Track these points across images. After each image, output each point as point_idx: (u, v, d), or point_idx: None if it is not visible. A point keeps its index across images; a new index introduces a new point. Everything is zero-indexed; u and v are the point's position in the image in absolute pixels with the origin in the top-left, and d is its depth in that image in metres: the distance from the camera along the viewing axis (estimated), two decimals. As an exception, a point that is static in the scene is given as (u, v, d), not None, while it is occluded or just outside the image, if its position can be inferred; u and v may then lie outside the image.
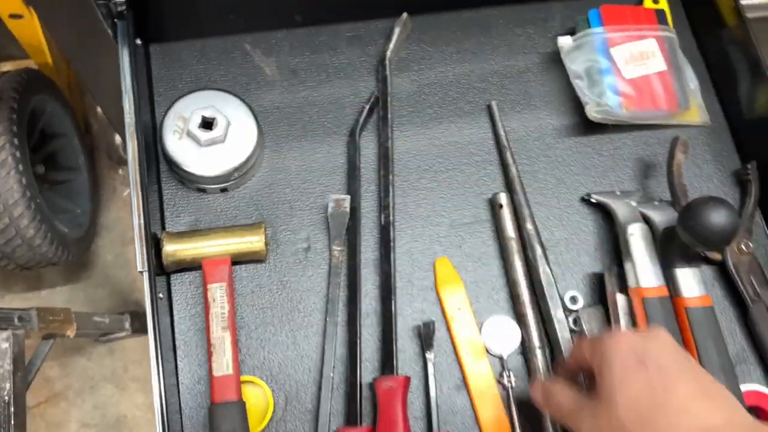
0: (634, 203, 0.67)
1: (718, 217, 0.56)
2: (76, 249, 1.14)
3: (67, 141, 1.20)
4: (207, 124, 0.63)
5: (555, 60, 0.74)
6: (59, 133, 1.19)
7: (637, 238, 0.64)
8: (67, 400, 1.19)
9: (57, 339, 1.02)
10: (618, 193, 0.69)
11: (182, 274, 0.64)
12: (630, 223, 0.65)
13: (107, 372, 1.21)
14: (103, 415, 1.19)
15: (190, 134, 0.63)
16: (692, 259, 0.62)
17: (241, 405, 0.57)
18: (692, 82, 0.75)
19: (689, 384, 0.43)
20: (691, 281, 0.62)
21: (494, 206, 0.68)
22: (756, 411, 0.63)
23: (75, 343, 1.23)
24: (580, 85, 0.71)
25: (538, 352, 0.62)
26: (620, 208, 0.67)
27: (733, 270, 0.66)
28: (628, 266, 0.63)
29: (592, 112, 0.69)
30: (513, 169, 0.69)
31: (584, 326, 0.63)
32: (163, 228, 0.65)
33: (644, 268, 0.62)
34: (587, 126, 0.72)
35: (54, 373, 1.21)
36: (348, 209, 0.65)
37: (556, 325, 0.63)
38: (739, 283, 0.66)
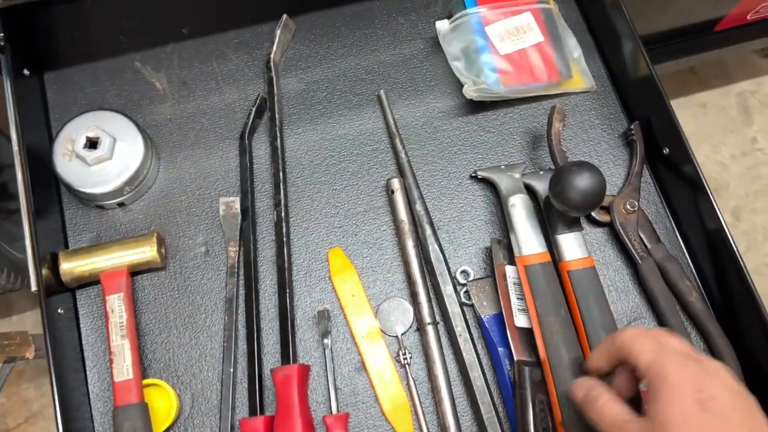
0: (517, 175, 0.69)
1: (581, 182, 0.58)
2: (36, 274, 1.17)
3: (14, 171, 1.24)
4: (92, 143, 0.66)
5: (438, 44, 0.75)
6: (8, 164, 1.22)
7: (518, 208, 0.66)
8: (45, 418, 1.24)
9: (22, 362, 1.06)
10: (503, 167, 0.71)
11: (87, 288, 0.67)
12: (512, 194, 0.67)
13: (85, 388, 1.25)
14: (85, 430, 1.23)
15: (77, 155, 0.66)
16: (572, 224, 0.64)
17: (142, 407, 0.60)
18: (575, 51, 0.76)
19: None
20: (572, 245, 0.64)
21: (388, 192, 0.71)
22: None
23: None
24: (458, 66, 0.72)
25: (429, 328, 0.64)
26: (504, 182, 0.69)
27: (620, 230, 0.68)
28: (512, 237, 0.65)
29: (470, 92, 0.71)
30: (402, 155, 0.71)
31: (473, 298, 0.66)
32: (66, 246, 0.68)
33: (525, 237, 0.64)
34: (473, 105, 0.74)
35: (30, 394, 1.26)
36: (239, 210, 0.68)
37: (446, 300, 0.65)
38: (627, 242, 0.68)
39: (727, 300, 0.66)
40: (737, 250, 0.63)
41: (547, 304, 0.61)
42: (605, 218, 0.70)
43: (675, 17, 1.14)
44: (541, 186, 0.68)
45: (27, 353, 1.02)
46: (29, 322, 1.31)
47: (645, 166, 0.73)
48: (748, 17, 1.18)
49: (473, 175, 0.71)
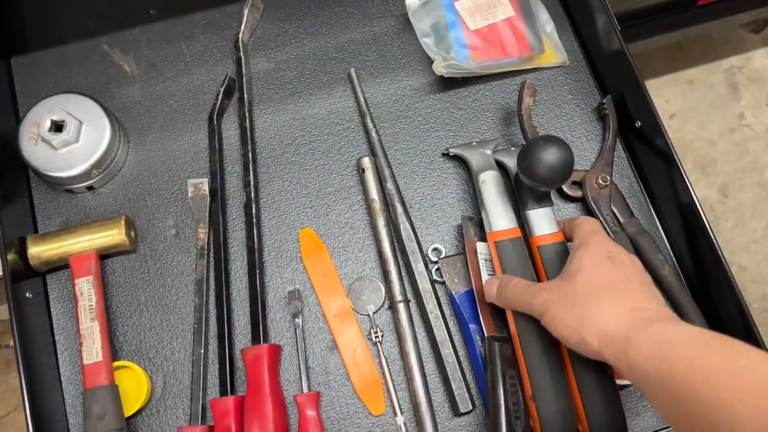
0: (488, 152, 0.69)
1: (549, 156, 0.57)
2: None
3: None
4: (58, 127, 0.65)
5: (409, 21, 0.75)
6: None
7: (488, 185, 0.65)
8: (35, 406, 1.25)
9: (5, 349, 1.06)
10: (474, 144, 0.70)
11: (58, 272, 0.67)
12: (482, 171, 0.67)
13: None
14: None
15: (43, 139, 0.65)
16: (542, 199, 0.64)
17: (112, 389, 0.60)
18: (548, 25, 0.75)
19: (637, 279, 0.51)
20: (542, 221, 0.63)
21: (359, 171, 0.70)
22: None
23: (38, 352, 1.28)
24: (428, 43, 0.72)
25: (401, 306, 0.64)
26: (475, 158, 0.68)
27: (592, 204, 0.68)
28: (483, 213, 0.65)
29: (440, 68, 0.70)
30: (373, 134, 0.71)
31: (444, 276, 0.65)
32: (36, 231, 0.68)
33: (495, 213, 0.64)
34: (444, 83, 0.73)
35: (18, 383, 1.26)
36: (207, 192, 0.68)
37: (417, 278, 0.65)
38: (600, 216, 0.68)
39: (701, 273, 0.66)
40: (708, 223, 0.63)
41: None
42: (577, 193, 0.69)
43: (657, -8, 1.13)
44: (512, 162, 0.68)
45: (10, 341, 1.02)
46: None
47: (618, 140, 0.72)
48: (732, -10, 1.17)
49: (445, 152, 0.71)
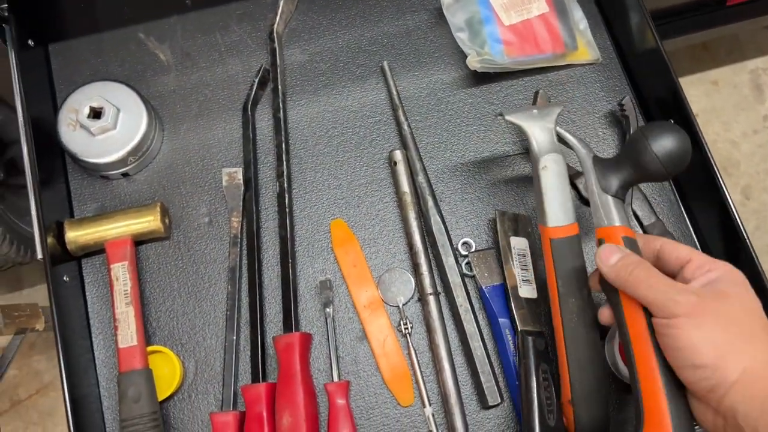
0: (551, 125, 0.60)
1: (671, 145, 0.55)
2: (45, 247, 1.19)
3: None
4: (96, 113, 0.66)
5: (442, 15, 0.75)
6: (16, 140, 1.23)
7: (549, 172, 0.57)
8: (57, 389, 1.26)
9: (33, 333, 1.08)
10: (536, 111, 0.60)
11: (93, 257, 0.68)
12: (545, 153, 0.58)
13: (95, 361, 1.28)
14: (95, 402, 1.26)
15: (82, 125, 0.66)
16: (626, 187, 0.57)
17: (146, 373, 0.61)
18: (581, 22, 0.75)
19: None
20: (615, 211, 0.55)
21: (390, 164, 0.71)
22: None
23: (60, 337, 1.30)
24: (462, 38, 0.72)
25: (431, 299, 0.65)
26: (536, 134, 0.59)
27: None
28: (538, 203, 0.58)
29: (474, 63, 0.70)
30: (405, 127, 0.71)
31: (474, 269, 0.66)
32: (72, 216, 0.69)
33: (555, 206, 0.57)
34: (476, 77, 0.73)
35: (41, 366, 1.28)
36: (241, 181, 0.69)
37: (447, 271, 0.66)
38: None
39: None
40: (743, 227, 0.63)
41: (571, 284, 0.56)
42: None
43: (686, -9, 1.13)
44: (579, 144, 0.59)
45: (37, 325, 1.04)
46: (39, 295, 1.33)
47: (650, 138, 0.72)
48: (761, -9, 1.16)
49: (498, 114, 0.62)
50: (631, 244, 0.53)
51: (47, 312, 1.07)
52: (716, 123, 1.48)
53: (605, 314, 0.55)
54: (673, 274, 0.51)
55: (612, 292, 0.51)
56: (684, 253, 0.51)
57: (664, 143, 0.54)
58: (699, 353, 0.44)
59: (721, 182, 0.64)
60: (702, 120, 1.49)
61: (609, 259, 0.50)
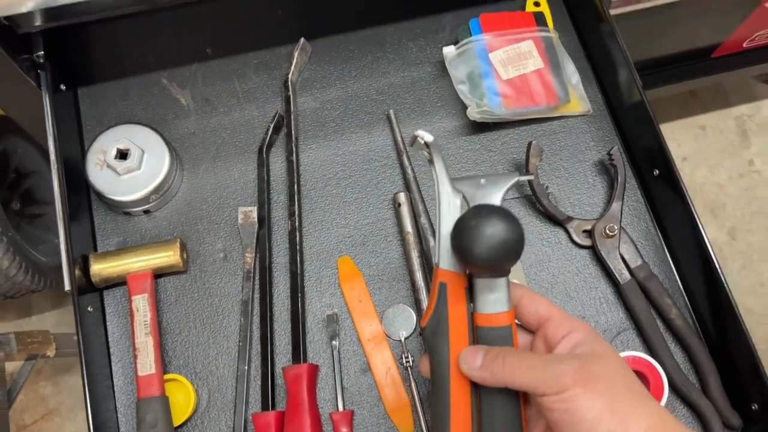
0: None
1: (490, 232, 0.44)
2: (56, 275, 1.23)
3: (41, 177, 1.31)
4: (123, 155, 0.71)
5: (445, 68, 0.81)
6: (33, 171, 1.29)
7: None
8: (61, 415, 1.29)
9: (42, 359, 1.11)
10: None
11: (114, 288, 0.72)
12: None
13: (98, 388, 1.30)
14: (97, 428, 1.28)
15: (109, 165, 0.71)
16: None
17: (163, 400, 0.65)
18: (574, 77, 0.81)
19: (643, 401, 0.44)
20: (489, 296, 0.49)
21: (395, 205, 0.76)
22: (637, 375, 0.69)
23: (66, 364, 1.32)
24: (463, 90, 0.78)
25: (431, 334, 0.69)
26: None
27: (601, 253, 0.72)
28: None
29: (473, 113, 0.76)
30: (409, 171, 0.76)
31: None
32: (95, 249, 0.74)
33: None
34: (475, 126, 0.79)
35: (47, 391, 1.31)
36: (256, 219, 0.73)
37: (447, 308, 0.70)
38: (609, 264, 0.72)
39: (714, 315, 0.70)
40: (719, 267, 0.68)
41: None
42: (587, 242, 0.74)
43: (674, 43, 1.19)
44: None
45: (48, 351, 1.07)
46: (48, 322, 1.36)
47: (637, 185, 0.77)
48: (744, 45, 1.23)
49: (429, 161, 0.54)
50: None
51: (59, 339, 1.10)
52: (704, 167, 1.54)
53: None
54: (531, 330, 0.49)
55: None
56: (543, 309, 0.48)
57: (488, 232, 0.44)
58: (600, 422, 0.41)
59: (701, 229, 0.69)
60: (690, 163, 1.55)
61: (475, 361, 0.47)
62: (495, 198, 0.51)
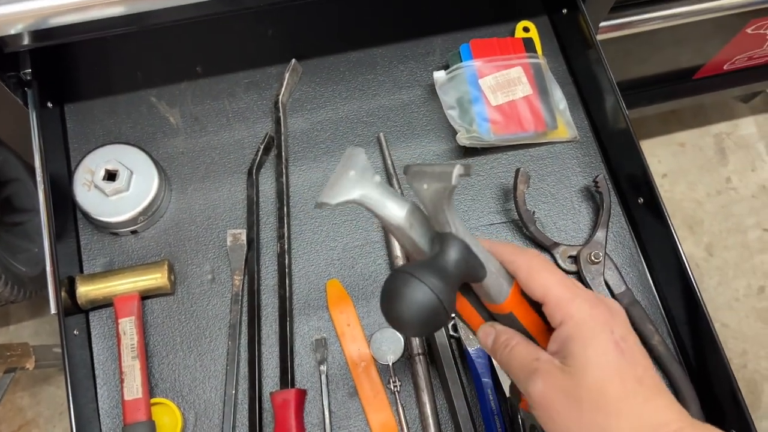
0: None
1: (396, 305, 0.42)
2: (36, 285, 1.21)
3: (21, 185, 1.28)
4: (111, 175, 0.71)
5: (435, 91, 0.81)
6: (13, 178, 1.27)
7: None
8: (39, 427, 1.27)
9: (20, 371, 1.09)
10: (352, 174, 0.47)
11: (100, 310, 0.71)
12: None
13: (77, 398, 1.29)
14: (75, 439, 1.26)
15: (97, 186, 0.70)
16: None
17: (150, 425, 0.64)
18: (561, 103, 0.82)
19: (649, 375, 0.44)
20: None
21: (383, 228, 0.76)
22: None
23: (44, 374, 1.30)
24: (453, 115, 0.78)
25: (419, 358, 0.70)
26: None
27: (586, 279, 0.74)
28: None
29: (462, 139, 0.76)
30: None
31: (460, 332, 0.71)
32: (81, 270, 0.73)
33: None
34: (464, 149, 0.80)
35: (25, 402, 1.29)
36: (245, 242, 0.73)
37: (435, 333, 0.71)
38: (593, 290, 0.73)
39: (695, 343, 0.72)
40: (701, 296, 0.69)
41: None
42: (572, 267, 0.75)
43: (657, 65, 1.22)
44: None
45: (28, 364, 1.06)
46: (26, 332, 1.34)
47: (622, 212, 0.79)
48: (725, 67, 1.25)
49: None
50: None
51: (38, 351, 1.08)
52: (683, 183, 1.57)
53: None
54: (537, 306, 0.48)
55: None
56: (538, 292, 0.46)
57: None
58: None
59: (683, 255, 0.70)
60: (670, 180, 1.58)
61: (485, 341, 0.49)
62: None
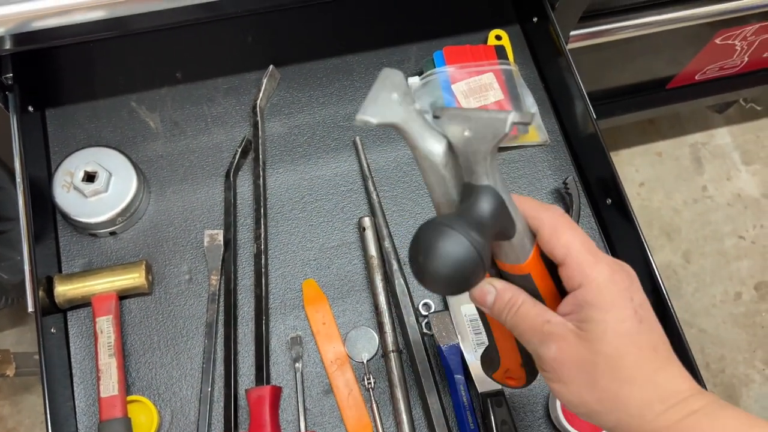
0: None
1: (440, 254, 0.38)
2: (18, 293, 1.22)
3: (5, 194, 1.29)
4: (90, 177, 0.72)
5: (410, 96, 0.83)
6: (-6, 185, 1.27)
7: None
8: (19, 436, 1.27)
9: (1, 379, 1.09)
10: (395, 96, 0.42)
11: (78, 310, 0.72)
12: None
13: (58, 407, 1.28)
14: (56, 449, 1.26)
15: (76, 188, 0.72)
16: None
17: (125, 421, 0.65)
18: (532, 108, 0.85)
19: (663, 344, 0.43)
20: None
21: (360, 229, 0.78)
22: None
23: (25, 382, 1.30)
24: (427, 119, 0.80)
25: (393, 355, 0.71)
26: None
27: None
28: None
29: (436, 142, 0.78)
30: (374, 196, 0.79)
31: (433, 329, 0.73)
32: (60, 271, 0.74)
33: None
34: (439, 153, 0.82)
35: (6, 411, 1.29)
36: (222, 242, 0.75)
37: (409, 330, 0.72)
38: None
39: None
40: (668, 296, 0.71)
41: None
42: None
43: (630, 75, 1.25)
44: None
45: (8, 371, 1.06)
46: (7, 340, 1.34)
47: (591, 213, 0.81)
48: (696, 77, 1.29)
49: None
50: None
51: (19, 358, 1.09)
52: (660, 192, 1.60)
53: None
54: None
55: None
56: (559, 252, 0.43)
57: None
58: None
59: (650, 255, 0.72)
60: (647, 188, 1.61)
61: (482, 299, 0.46)
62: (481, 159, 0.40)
